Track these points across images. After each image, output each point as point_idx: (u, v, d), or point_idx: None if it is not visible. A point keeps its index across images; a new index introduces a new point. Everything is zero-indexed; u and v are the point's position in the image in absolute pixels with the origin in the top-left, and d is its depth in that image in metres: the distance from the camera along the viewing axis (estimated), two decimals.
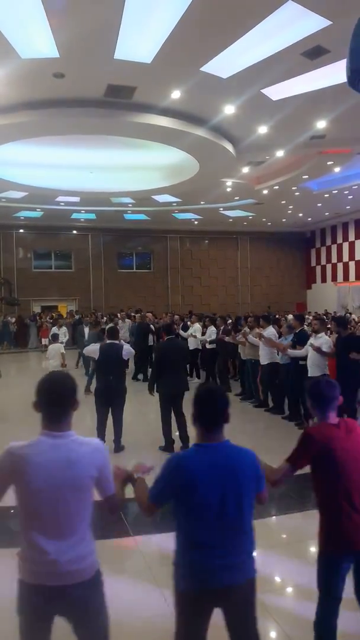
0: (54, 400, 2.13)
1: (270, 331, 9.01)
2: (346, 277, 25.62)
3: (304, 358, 7.73)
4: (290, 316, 17.72)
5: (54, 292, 25.13)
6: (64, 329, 12.03)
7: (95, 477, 2.13)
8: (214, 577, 2.12)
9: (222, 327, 11.47)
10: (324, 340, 7.52)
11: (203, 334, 12.08)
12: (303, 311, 24.44)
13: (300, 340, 8.15)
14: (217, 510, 2.12)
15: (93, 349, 6.93)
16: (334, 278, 26.77)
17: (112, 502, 2.25)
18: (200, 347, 12.05)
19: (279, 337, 9.10)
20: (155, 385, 6.99)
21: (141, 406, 9.37)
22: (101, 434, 6.62)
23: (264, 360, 8.99)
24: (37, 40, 7.61)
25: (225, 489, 2.13)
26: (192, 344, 11.97)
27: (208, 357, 11.68)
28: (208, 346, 11.63)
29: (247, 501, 2.19)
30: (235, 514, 2.15)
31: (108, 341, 6.98)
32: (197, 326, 12.40)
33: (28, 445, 2.08)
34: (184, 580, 2.17)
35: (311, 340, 7.69)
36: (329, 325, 9.88)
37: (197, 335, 12.12)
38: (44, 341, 19.98)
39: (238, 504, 2.15)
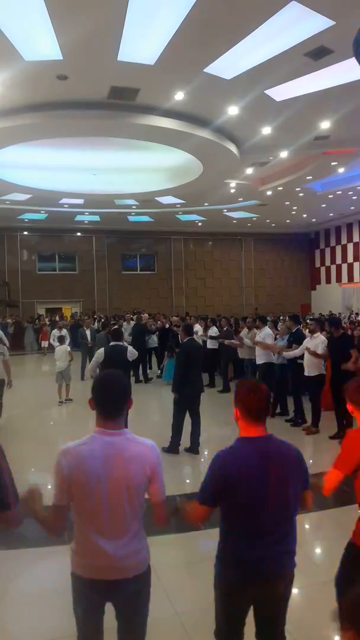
0: (110, 398, 2.15)
1: (266, 332, 9.17)
2: (351, 278, 25.54)
3: (302, 357, 7.95)
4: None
5: (58, 294, 25.18)
6: (64, 331, 12.00)
7: (149, 477, 2.14)
8: (257, 568, 2.16)
9: (225, 328, 11.55)
10: (320, 340, 7.75)
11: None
12: (307, 312, 24.43)
13: (297, 339, 8.37)
14: (262, 503, 2.14)
15: (98, 357, 6.93)
16: (339, 279, 26.69)
17: (161, 510, 2.23)
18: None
19: (275, 338, 9.33)
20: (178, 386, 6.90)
21: (142, 407, 9.37)
22: None
23: (259, 360, 9.16)
24: (41, 43, 7.62)
25: (270, 482, 2.14)
26: None
27: (209, 358, 11.69)
28: (209, 345, 11.74)
29: (292, 494, 2.19)
30: (280, 507, 2.17)
31: (112, 343, 7.01)
32: (197, 327, 12.54)
33: (83, 443, 2.10)
34: (227, 570, 2.23)
35: (306, 341, 7.94)
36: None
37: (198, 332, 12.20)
38: (44, 344, 19.88)
39: (283, 498, 2.17)
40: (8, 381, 7.96)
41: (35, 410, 9.76)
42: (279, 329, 9.94)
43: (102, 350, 6.94)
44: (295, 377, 8.30)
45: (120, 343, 7.04)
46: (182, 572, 3.93)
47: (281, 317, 16.06)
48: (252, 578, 2.18)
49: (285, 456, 2.22)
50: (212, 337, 11.75)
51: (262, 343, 8.89)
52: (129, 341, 12.83)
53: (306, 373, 7.79)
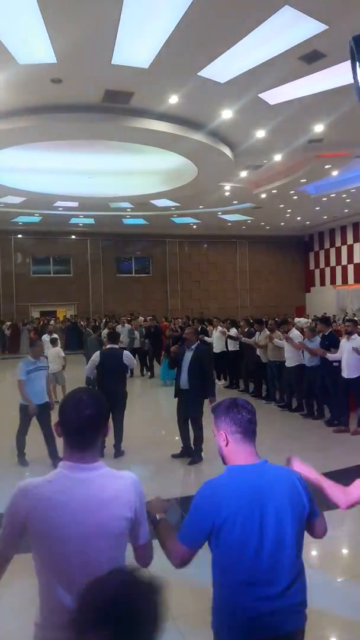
0: (79, 427, 1.70)
1: (294, 333, 9.07)
2: (345, 280, 25.65)
3: (337, 360, 7.89)
4: (302, 319, 17.81)
5: (53, 297, 25.15)
6: (54, 335, 11.93)
7: (131, 520, 1.73)
8: (260, 625, 1.77)
9: (246, 330, 11.45)
10: (358, 342, 7.62)
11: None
12: (302, 314, 24.46)
13: (332, 342, 8.26)
14: (257, 544, 1.78)
15: (94, 358, 6.88)
16: (333, 281, 26.79)
17: (146, 552, 1.85)
18: (225, 350, 11.83)
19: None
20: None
21: (141, 411, 9.35)
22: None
23: (290, 363, 8.98)
24: (35, 46, 7.63)
25: (263, 518, 1.79)
26: (217, 348, 11.98)
27: (231, 360, 11.70)
28: (230, 347, 11.62)
29: (289, 532, 1.82)
30: (277, 547, 1.80)
31: (108, 345, 6.99)
32: (233, 330, 12.16)
33: (47, 481, 1.68)
34: (229, 630, 1.81)
35: (343, 342, 7.83)
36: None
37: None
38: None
39: (279, 536, 1.80)
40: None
41: None
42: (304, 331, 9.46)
43: (97, 353, 6.93)
44: (334, 381, 8.06)
45: (116, 346, 7.03)
46: (177, 576, 3.91)
47: (276, 319, 16.08)
48: (256, 637, 1.78)
49: (276, 486, 1.85)
50: (230, 337, 11.47)
51: (295, 341, 8.72)
52: (126, 343, 12.97)
53: (346, 375, 7.62)
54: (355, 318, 19.95)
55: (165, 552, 1.89)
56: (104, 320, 19.98)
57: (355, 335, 7.79)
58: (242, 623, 1.78)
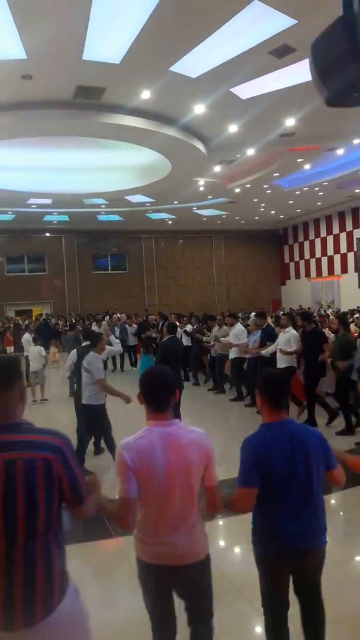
0: (158, 392, 2.28)
1: (238, 328, 9.61)
2: (319, 273, 25.99)
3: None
4: (252, 314, 18.13)
5: (28, 296, 24.85)
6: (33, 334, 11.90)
7: (205, 463, 2.24)
8: (290, 542, 2.34)
9: (195, 326, 12.06)
10: (291, 334, 8.06)
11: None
12: (278, 307, 24.74)
13: (268, 336, 8.73)
14: (290, 481, 2.33)
15: (72, 355, 6.98)
16: (307, 274, 27.12)
17: (214, 494, 2.31)
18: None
19: (248, 333, 9.79)
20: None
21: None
22: (81, 436, 6.57)
23: (232, 355, 9.67)
24: (4, 42, 7.52)
25: (296, 461, 2.34)
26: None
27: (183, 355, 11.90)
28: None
29: (316, 473, 2.37)
30: (306, 484, 2.35)
31: (84, 343, 6.97)
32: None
33: (141, 436, 2.21)
34: (263, 545, 2.43)
35: (280, 336, 8.26)
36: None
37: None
38: (9, 350, 19.55)
39: (308, 475, 2.35)
40: None
41: None
42: (249, 324, 10.27)
43: (74, 351, 6.96)
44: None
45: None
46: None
47: (253, 313, 16.28)
48: (288, 550, 2.36)
49: (306, 438, 2.41)
50: (186, 333, 11.93)
51: (238, 344, 9.34)
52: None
53: (278, 365, 7.98)
54: (330, 310, 20.32)
55: (232, 505, 2.40)
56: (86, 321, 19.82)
57: (290, 328, 8.20)
58: (272, 540, 2.37)
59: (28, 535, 1.75)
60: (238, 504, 2.40)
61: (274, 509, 2.37)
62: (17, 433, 1.82)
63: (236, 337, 9.53)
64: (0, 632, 1.73)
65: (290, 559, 2.39)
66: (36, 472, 1.76)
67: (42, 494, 1.77)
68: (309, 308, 21.96)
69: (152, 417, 2.28)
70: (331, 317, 13.71)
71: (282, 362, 7.95)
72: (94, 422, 6.21)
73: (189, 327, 12.20)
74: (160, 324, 13.44)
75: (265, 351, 8.44)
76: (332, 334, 8.64)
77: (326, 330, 9.33)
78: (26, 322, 20.63)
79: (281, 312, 14.41)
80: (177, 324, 12.61)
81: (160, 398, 2.28)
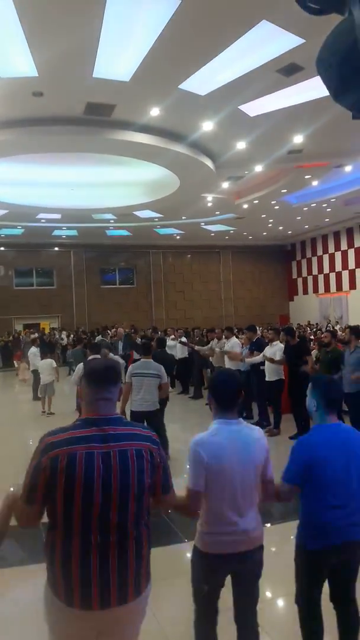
0: (228, 392, 2.46)
1: (234, 341, 9.79)
2: (327, 289, 25.93)
3: (264, 364, 8.44)
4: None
5: (36, 310, 24.95)
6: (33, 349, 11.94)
7: (265, 457, 2.44)
8: (340, 534, 2.46)
9: (197, 338, 12.42)
10: (278, 347, 8.34)
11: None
12: (286, 323, 24.67)
13: (257, 347, 8.96)
14: (342, 478, 2.46)
15: (79, 368, 6.93)
16: (316, 290, 27.07)
17: (271, 486, 2.50)
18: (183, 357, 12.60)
19: (242, 346, 9.91)
20: None
21: None
22: None
23: (227, 366, 9.61)
24: (16, 60, 7.66)
25: (349, 460, 2.48)
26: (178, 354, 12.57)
27: (182, 367, 12.41)
28: (180, 355, 12.35)
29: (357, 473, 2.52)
30: (358, 480, 2.49)
31: (91, 356, 7.01)
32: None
33: (212, 434, 2.39)
34: (312, 539, 2.50)
35: (266, 349, 8.52)
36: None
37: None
38: (17, 364, 19.51)
39: (359, 473, 2.50)
40: None
41: (20, 421, 9.64)
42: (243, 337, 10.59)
43: (81, 365, 6.94)
44: (259, 383, 8.74)
45: (99, 356, 7.03)
46: (163, 585, 3.90)
47: (260, 328, 16.25)
48: (331, 544, 2.46)
49: (356, 439, 2.56)
50: (181, 342, 12.50)
51: (231, 352, 9.46)
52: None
53: (267, 378, 8.27)
54: (338, 326, 20.24)
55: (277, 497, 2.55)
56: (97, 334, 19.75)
57: (277, 342, 8.49)
58: (324, 534, 2.47)
59: (138, 524, 1.92)
60: (282, 497, 2.55)
61: (324, 504, 2.47)
62: (121, 425, 1.98)
63: (231, 349, 9.84)
64: (96, 609, 1.86)
65: (334, 553, 2.47)
66: (144, 462, 1.94)
67: (148, 481, 1.95)
68: (317, 324, 21.88)
69: (220, 415, 2.45)
70: (339, 332, 13.62)
71: (271, 376, 8.22)
72: None
73: (184, 339, 12.76)
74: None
75: (249, 360, 8.80)
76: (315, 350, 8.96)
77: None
78: (32, 336, 20.71)
79: (268, 328, 14.54)
80: (172, 336, 13.40)
81: (228, 398, 2.45)
